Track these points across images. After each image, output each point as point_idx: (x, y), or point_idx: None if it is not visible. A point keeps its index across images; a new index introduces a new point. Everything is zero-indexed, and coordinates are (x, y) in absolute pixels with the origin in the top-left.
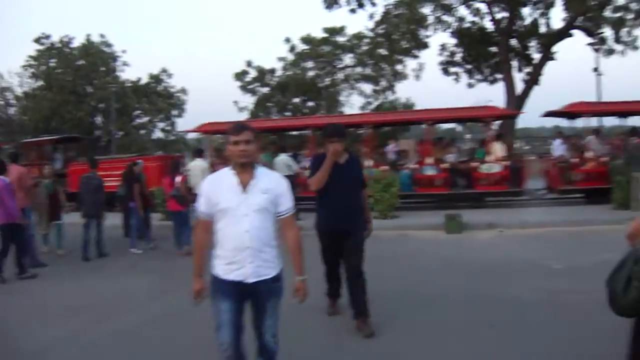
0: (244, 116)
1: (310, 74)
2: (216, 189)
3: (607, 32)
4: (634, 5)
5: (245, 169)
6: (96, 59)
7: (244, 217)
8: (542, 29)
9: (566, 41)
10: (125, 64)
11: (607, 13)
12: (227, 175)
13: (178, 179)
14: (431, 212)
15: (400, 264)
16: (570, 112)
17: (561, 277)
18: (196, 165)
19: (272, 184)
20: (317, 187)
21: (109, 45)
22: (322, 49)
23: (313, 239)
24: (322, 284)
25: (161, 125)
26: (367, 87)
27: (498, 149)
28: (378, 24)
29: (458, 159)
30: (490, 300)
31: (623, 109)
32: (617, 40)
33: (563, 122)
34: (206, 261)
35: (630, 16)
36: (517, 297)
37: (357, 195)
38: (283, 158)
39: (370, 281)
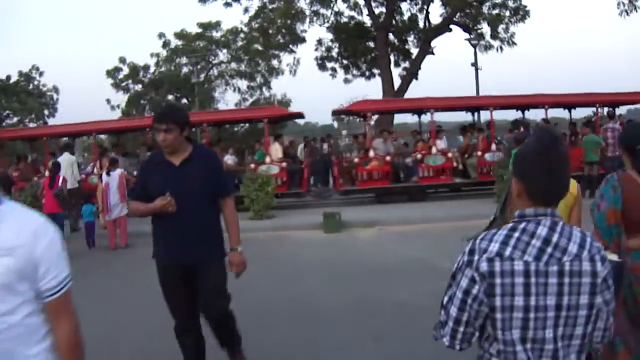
0: (116, 114)
1: (185, 70)
2: None
3: (485, 28)
4: (510, 3)
5: None
6: None
7: None
8: (421, 24)
9: (448, 36)
10: None
11: (485, 10)
12: None
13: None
14: (309, 211)
15: (278, 269)
16: (356, 110)
17: None
18: (64, 159)
19: (23, 236)
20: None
21: None
22: (197, 45)
23: None
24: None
25: (32, 126)
26: (243, 84)
27: (275, 150)
28: (253, 18)
29: (236, 161)
30: (377, 309)
31: (408, 106)
32: (494, 36)
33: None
34: None
35: (507, 13)
36: (406, 303)
37: (207, 211)
38: None
39: (246, 291)
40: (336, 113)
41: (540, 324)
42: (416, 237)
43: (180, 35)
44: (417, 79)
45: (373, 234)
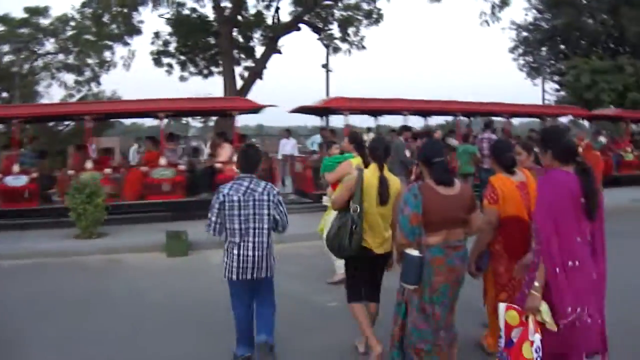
0: None
1: (6, 59)
2: None
3: (335, 29)
4: (365, 6)
5: None
6: None
7: None
8: (269, 21)
9: (300, 36)
10: None
11: (337, 11)
12: None
13: None
14: (149, 227)
15: (111, 310)
16: None
17: (341, 320)
18: None
19: None
20: None
21: None
22: (22, 32)
23: None
24: None
25: None
26: (70, 78)
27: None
28: (87, 3)
29: None
30: None
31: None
32: (343, 38)
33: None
34: None
35: (359, 15)
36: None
37: None
38: None
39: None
40: None
41: (245, 220)
42: (290, 259)
43: (2, 19)
44: (261, 78)
45: None
